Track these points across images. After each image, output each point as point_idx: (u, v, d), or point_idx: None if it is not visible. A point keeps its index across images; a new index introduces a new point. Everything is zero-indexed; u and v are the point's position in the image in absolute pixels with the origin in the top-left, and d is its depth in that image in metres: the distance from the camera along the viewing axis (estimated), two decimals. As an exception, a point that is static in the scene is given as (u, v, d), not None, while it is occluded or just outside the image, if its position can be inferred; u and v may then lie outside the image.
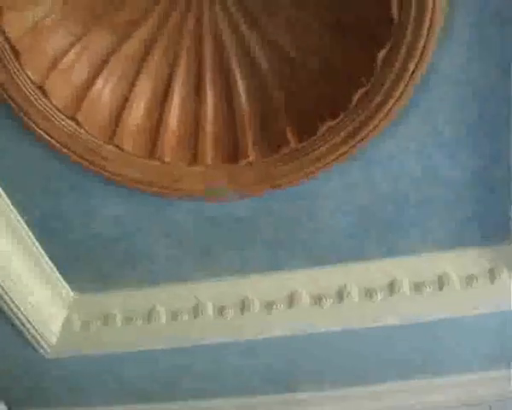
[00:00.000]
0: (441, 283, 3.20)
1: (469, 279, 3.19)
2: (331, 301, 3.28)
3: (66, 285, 3.51)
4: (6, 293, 3.15)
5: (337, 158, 2.66)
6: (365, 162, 2.75)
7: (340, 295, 3.28)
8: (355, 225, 3.04)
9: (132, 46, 2.62)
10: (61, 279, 3.46)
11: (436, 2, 2.25)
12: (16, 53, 2.45)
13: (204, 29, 2.59)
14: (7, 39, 2.42)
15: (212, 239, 3.15)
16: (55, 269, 3.39)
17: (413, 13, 2.28)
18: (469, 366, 3.60)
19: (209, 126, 2.73)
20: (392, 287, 3.24)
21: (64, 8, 2.50)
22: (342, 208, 2.96)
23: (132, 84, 2.67)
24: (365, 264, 3.25)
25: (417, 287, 3.23)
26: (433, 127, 2.62)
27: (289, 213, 2.99)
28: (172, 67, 2.67)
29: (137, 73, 2.66)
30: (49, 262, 3.34)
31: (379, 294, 3.23)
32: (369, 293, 3.26)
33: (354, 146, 2.62)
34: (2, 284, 3.11)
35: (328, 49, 2.53)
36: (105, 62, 2.62)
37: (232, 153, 2.74)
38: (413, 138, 2.67)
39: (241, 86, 2.68)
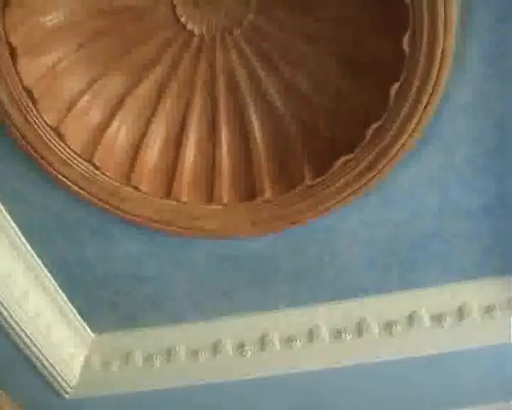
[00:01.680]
0: (461, 314, 3.18)
1: (489, 310, 3.16)
2: (351, 335, 3.26)
3: (86, 326, 3.51)
4: (26, 334, 3.15)
5: (354, 192, 2.67)
6: (382, 196, 2.76)
7: (360, 329, 3.26)
8: (373, 258, 3.04)
9: (146, 88, 2.65)
10: (81, 320, 3.47)
11: (447, 36, 2.26)
12: (32, 98, 2.48)
13: (217, 69, 2.61)
14: (23, 84, 2.44)
15: (230, 277, 3.15)
16: (74, 310, 3.39)
17: (424, 47, 2.29)
18: (490, 397, 3.56)
19: (225, 165, 2.74)
20: (411, 319, 3.22)
21: (79, 52, 2.54)
22: (360, 242, 2.96)
23: (147, 126, 2.70)
24: (384, 297, 3.24)
25: (437, 318, 3.21)
26: (450, 158, 2.63)
27: (308, 248, 2.99)
28: (187, 107, 2.70)
29: (152, 114, 2.69)
30: (69, 303, 3.35)
31: (398, 327, 3.21)
32: (388, 326, 3.24)
33: (370, 180, 2.63)
34: (22, 326, 3.11)
35: (341, 84, 2.55)
36: (120, 104, 2.65)
37: (249, 191, 2.75)
38: (429, 170, 2.67)
39: (255, 124, 2.70)
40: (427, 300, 3.23)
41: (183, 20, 2.51)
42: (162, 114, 2.69)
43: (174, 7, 2.48)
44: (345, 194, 2.68)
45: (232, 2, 2.47)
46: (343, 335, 3.26)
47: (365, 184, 2.65)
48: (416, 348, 3.22)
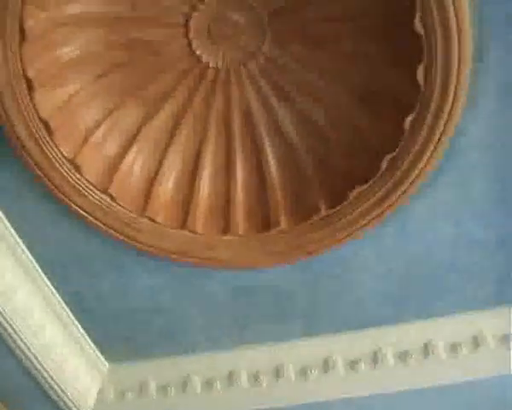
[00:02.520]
0: (476, 343, 3.17)
1: (505, 339, 3.15)
2: (366, 365, 3.25)
3: (101, 356, 3.51)
4: (42, 365, 3.16)
5: (368, 223, 2.68)
6: (397, 227, 2.76)
7: (375, 360, 3.25)
8: (388, 288, 3.04)
9: (162, 120, 2.68)
10: (96, 350, 3.47)
11: (460, 69, 2.27)
12: (49, 129, 2.51)
13: (232, 101, 2.63)
14: (39, 116, 2.47)
15: (245, 307, 3.15)
16: (90, 340, 3.40)
17: (438, 80, 2.30)
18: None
19: (240, 196, 2.76)
20: (426, 349, 3.21)
21: (95, 84, 2.56)
22: (375, 273, 2.96)
23: (163, 157, 2.72)
24: (400, 327, 3.23)
25: (452, 348, 3.20)
26: (464, 190, 2.64)
27: (322, 279, 2.99)
28: (202, 138, 2.72)
29: (168, 145, 2.71)
30: (84, 334, 3.36)
31: (413, 357, 3.20)
32: (403, 356, 3.23)
33: (385, 210, 2.64)
34: (38, 357, 3.12)
35: (356, 116, 2.57)
36: (135, 136, 2.67)
37: (264, 222, 2.76)
38: (444, 201, 2.68)
39: (270, 156, 2.72)
40: (443, 330, 3.22)
41: (198, 53, 2.54)
42: (178, 146, 2.71)
43: (190, 41, 2.51)
44: (360, 225, 2.68)
45: (248, 35, 2.49)
46: (358, 365, 3.25)
47: (380, 214, 2.65)
48: (431, 378, 3.21)
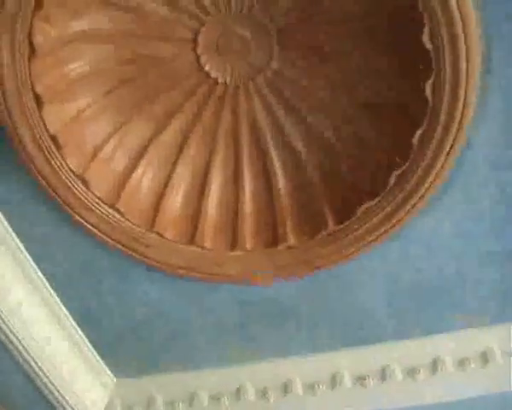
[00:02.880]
0: (485, 359, 3.16)
1: (514, 354, 3.15)
2: (374, 380, 3.24)
3: (108, 370, 3.50)
4: (48, 379, 3.16)
5: (376, 239, 2.67)
6: (404, 241, 2.76)
7: (383, 375, 3.24)
8: (396, 303, 3.02)
9: (171, 135, 2.68)
10: (103, 364, 3.45)
11: (469, 83, 2.28)
12: (57, 144, 2.51)
13: (240, 115, 2.64)
14: (48, 131, 2.47)
15: (252, 323, 3.14)
16: (97, 355, 3.39)
17: (447, 93, 2.30)
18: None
19: (248, 211, 2.76)
20: (434, 365, 3.19)
21: (103, 99, 2.57)
22: (383, 287, 2.95)
23: (172, 172, 2.72)
24: (407, 342, 3.21)
25: (461, 363, 3.19)
26: (474, 204, 2.63)
27: (329, 294, 2.98)
28: (210, 153, 2.72)
29: (176, 160, 2.71)
30: (90, 347, 3.35)
31: (422, 372, 3.19)
32: (411, 372, 3.21)
33: (393, 226, 2.63)
34: (45, 370, 3.12)
35: (364, 130, 2.57)
36: (144, 151, 2.68)
37: (271, 237, 2.76)
38: (453, 215, 2.67)
39: (278, 170, 2.72)
40: (451, 345, 3.20)
41: (207, 68, 2.54)
42: (186, 161, 2.71)
43: (198, 56, 2.52)
44: (368, 239, 2.68)
45: (256, 50, 2.49)
46: (366, 381, 3.24)
47: (388, 229, 2.65)
48: (439, 394, 3.20)
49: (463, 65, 2.23)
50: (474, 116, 2.37)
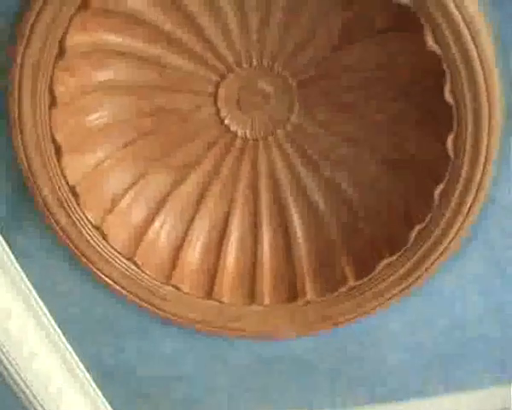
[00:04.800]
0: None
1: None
2: (392, 439, 3.19)
3: (122, 424, 3.46)
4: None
5: (397, 294, 2.64)
6: (425, 297, 2.72)
7: (402, 434, 3.19)
8: (416, 360, 2.98)
9: (189, 187, 2.67)
10: (116, 418, 3.42)
11: (490, 139, 2.26)
12: (76, 195, 2.50)
13: (259, 169, 2.63)
14: (67, 182, 2.47)
15: (269, 378, 3.09)
16: (110, 408, 3.34)
17: (468, 149, 2.28)
18: None
19: (266, 265, 2.73)
20: (454, 424, 3.15)
21: (122, 151, 2.57)
22: (403, 344, 2.90)
23: (189, 225, 2.70)
24: (427, 400, 3.16)
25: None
26: (496, 260, 2.60)
27: (347, 350, 2.94)
28: (228, 206, 2.71)
29: (194, 213, 2.70)
30: (105, 401, 3.31)
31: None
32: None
33: (414, 281, 2.60)
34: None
35: (384, 185, 2.56)
36: (162, 203, 2.67)
37: (290, 292, 2.73)
38: (474, 271, 2.64)
39: (297, 224, 2.70)
40: (472, 402, 3.15)
41: (226, 121, 2.54)
42: (204, 214, 2.70)
43: (218, 109, 2.52)
44: (388, 295, 2.64)
45: (276, 104, 2.49)
46: (384, 438, 3.19)
47: (409, 285, 2.61)
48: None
49: (485, 121, 2.22)
50: (496, 171, 2.35)
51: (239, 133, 2.55)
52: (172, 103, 2.51)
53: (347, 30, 2.29)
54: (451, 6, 2.05)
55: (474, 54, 2.12)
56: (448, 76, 2.17)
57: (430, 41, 2.12)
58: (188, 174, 2.65)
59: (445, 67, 2.15)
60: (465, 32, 2.09)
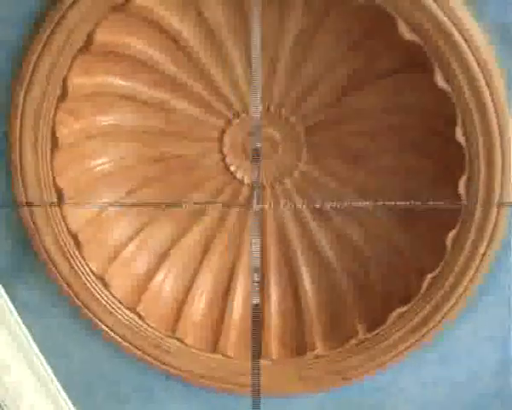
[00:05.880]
0: None
1: None
2: None
3: None
4: None
5: (409, 347, 2.54)
6: (438, 351, 2.62)
7: None
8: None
9: (194, 238, 2.61)
10: None
11: (504, 183, 2.23)
12: (78, 244, 2.45)
13: (267, 218, 2.58)
14: (68, 230, 2.42)
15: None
16: None
17: (481, 194, 2.25)
18: None
19: (274, 319, 2.64)
20: None
21: (126, 198, 2.53)
22: (415, 400, 2.78)
23: (194, 277, 2.63)
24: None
25: None
26: (511, 311, 2.52)
27: (359, 406, 2.84)
28: (234, 259, 2.65)
29: (199, 265, 2.63)
30: None
31: None
32: None
33: (427, 333, 2.51)
34: None
35: (394, 234, 2.50)
36: (166, 253, 2.60)
37: (298, 345, 2.63)
38: (489, 323, 2.55)
39: (306, 276, 2.63)
40: None
41: (232, 169, 2.51)
42: (209, 266, 2.63)
43: (224, 157, 2.49)
44: (400, 349, 2.55)
45: (283, 152, 2.47)
46: None
47: (421, 338, 2.52)
48: None
49: (498, 160, 2.19)
50: (509, 216, 2.30)
51: (245, 181, 2.52)
52: (177, 150, 2.49)
53: (356, 73, 2.29)
54: (464, 47, 2.06)
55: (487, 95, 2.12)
56: (459, 118, 2.15)
57: (440, 81, 2.11)
58: (193, 223, 2.60)
59: (458, 113, 2.14)
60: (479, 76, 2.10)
